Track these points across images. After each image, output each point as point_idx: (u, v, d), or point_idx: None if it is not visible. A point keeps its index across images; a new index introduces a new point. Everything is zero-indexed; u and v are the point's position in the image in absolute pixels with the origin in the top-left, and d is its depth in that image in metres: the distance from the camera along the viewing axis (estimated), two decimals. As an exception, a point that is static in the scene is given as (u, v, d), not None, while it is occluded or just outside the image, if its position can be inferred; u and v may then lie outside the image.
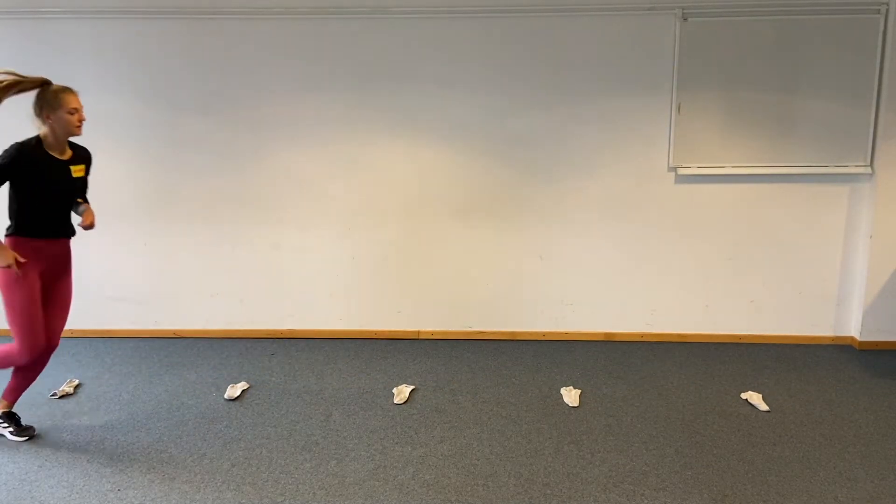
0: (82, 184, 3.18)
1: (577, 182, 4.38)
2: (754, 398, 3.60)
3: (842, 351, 4.35)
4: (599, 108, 4.29)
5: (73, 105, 2.99)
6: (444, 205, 4.45)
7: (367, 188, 4.44)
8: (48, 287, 3.13)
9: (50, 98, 2.96)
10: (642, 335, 4.54)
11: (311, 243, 4.51)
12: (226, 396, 3.67)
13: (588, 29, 4.20)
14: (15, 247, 2.99)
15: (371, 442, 3.19)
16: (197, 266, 4.55)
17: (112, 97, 4.38)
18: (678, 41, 4.17)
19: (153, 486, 2.82)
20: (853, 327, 4.46)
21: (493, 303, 4.55)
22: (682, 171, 4.31)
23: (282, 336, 4.62)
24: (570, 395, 3.65)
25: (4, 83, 2.88)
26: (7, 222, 3.02)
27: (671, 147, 4.29)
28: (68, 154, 3.07)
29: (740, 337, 4.51)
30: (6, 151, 2.91)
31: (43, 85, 2.98)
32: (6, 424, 3.21)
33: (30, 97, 2.99)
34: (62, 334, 3.29)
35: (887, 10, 4.08)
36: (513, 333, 4.58)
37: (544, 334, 4.57)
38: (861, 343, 4.39)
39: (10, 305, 2.99)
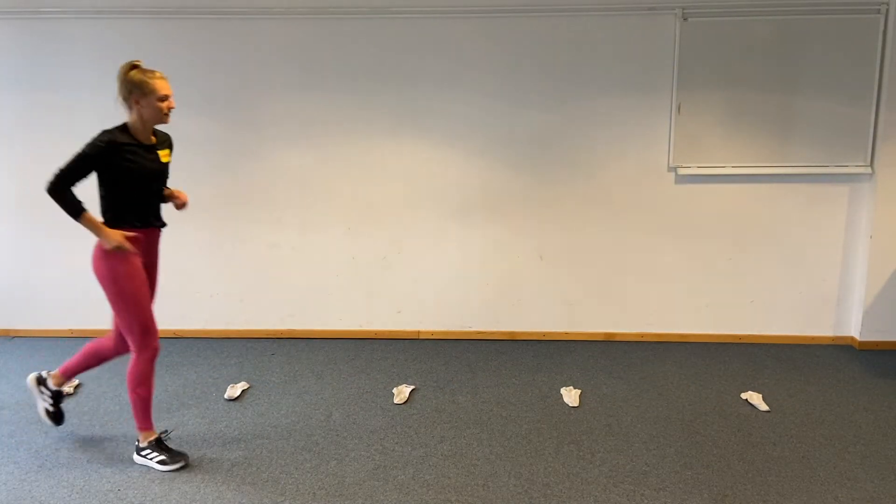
0: (168, 169, 3.05)
1: (577, 182, 4.38)
2: (754, 398, 3.60)
3: (842, 351, 4.35)
4: (599, 108, 4.29)
5: (165, 91, 2.85)
6: (444, 205, 4.45)
7: (367, 188, 4.44)
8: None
9: (140, 82, 2.82)
10: (642, 335, 4.54)
11: (311, 243, 4.51)
12: (226, 396, 3.67)
13: (588, 29, 4.20)
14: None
15: (371, 442, 3.19)
16: (197, 266, 4.55)
17: (112, 97, 4.36)
18: (678, 41, 4.17)
19: (153, 486, 2.82)
20: (853, 327, 4.46)
21: (493, 303, 4.55)
22: (682, 171, 4.31)
23: (282, 336, 4.62)
24: (570, 395, 3.65)
25: None
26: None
27: (671, 147, 4.29)
28: (153, 139, 2.95)
29: (740, 337, 4.51)
30: (95, 139, 2.78)
31: (132, 69, 2.84)
32: (154, 453, 3.00)
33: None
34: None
35: (887, 10, 4.08)
36: (513, 333, 4.58)
37: (544, 334, 4.57)
38: (861, 343, 4.39)
39: (120, 298, 2.85)
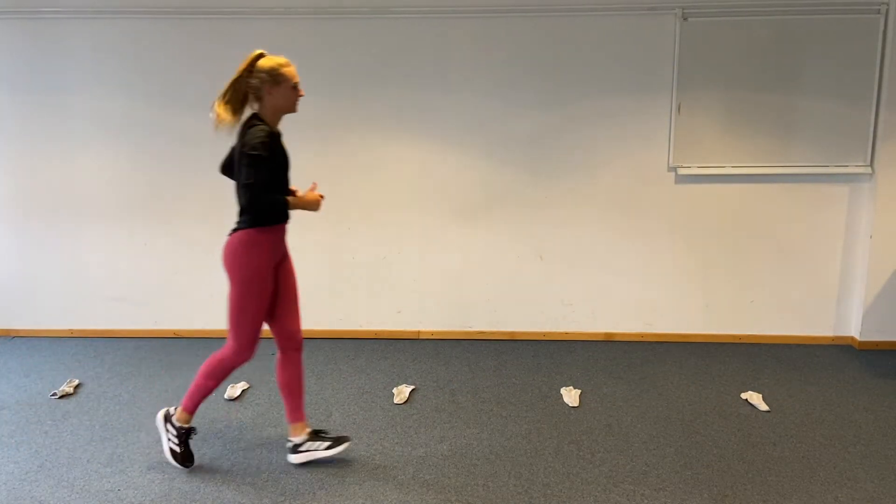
0: None
1: (577, 182, 4.38)
2: (754, 398, 3.60)
3: (842, 351, 4.35)
4: (599, 108, 4.29)
5: (297, 79, 2.72)
6: (444, 204, 4.45)
7: (367, 188, 4.44)
8: (282, 280, 2.92)
9: (272, 70, 2.67)
10: (642, 335, 4.54)
11: (311, 243, 4.51)
12: (226, 396, 3.67)
13: (588, 29, 4.20)
14: (256, 242, 2.73)
15: (371, 442, 3.19)
16: (197, 266, 4.55)
17: (112, 97, 4.38)
18: (678, 41, 4.17)
19: (153, 486, 2.82)
20: (853, 327, 4.46)
21: (493, 303, 4.55)
22: (682, 171, 4.31)
23: (282, 336, 4.62)
24: (570, 395, 3.65)
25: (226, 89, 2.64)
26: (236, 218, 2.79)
27: (671, 147, 4.29)
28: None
29: (740, 337, 4.51)
30: (258, 139, 2.60)
31: (258, 57, 2.69)
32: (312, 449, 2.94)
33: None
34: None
35: (887, 10, 4.08)
36: (513, 333, 4.58)
37: (544, 334, 4.57)
38: (861, 343, 4.39)
39: (242, 305, 2.74)
